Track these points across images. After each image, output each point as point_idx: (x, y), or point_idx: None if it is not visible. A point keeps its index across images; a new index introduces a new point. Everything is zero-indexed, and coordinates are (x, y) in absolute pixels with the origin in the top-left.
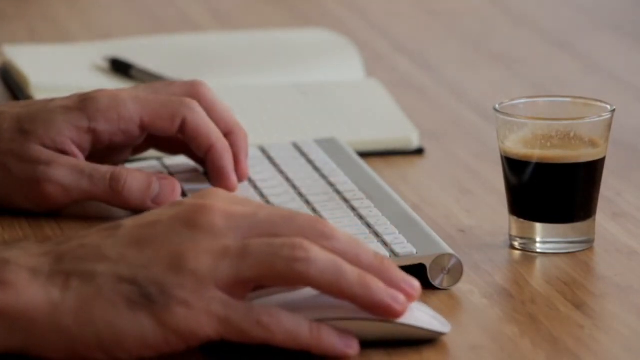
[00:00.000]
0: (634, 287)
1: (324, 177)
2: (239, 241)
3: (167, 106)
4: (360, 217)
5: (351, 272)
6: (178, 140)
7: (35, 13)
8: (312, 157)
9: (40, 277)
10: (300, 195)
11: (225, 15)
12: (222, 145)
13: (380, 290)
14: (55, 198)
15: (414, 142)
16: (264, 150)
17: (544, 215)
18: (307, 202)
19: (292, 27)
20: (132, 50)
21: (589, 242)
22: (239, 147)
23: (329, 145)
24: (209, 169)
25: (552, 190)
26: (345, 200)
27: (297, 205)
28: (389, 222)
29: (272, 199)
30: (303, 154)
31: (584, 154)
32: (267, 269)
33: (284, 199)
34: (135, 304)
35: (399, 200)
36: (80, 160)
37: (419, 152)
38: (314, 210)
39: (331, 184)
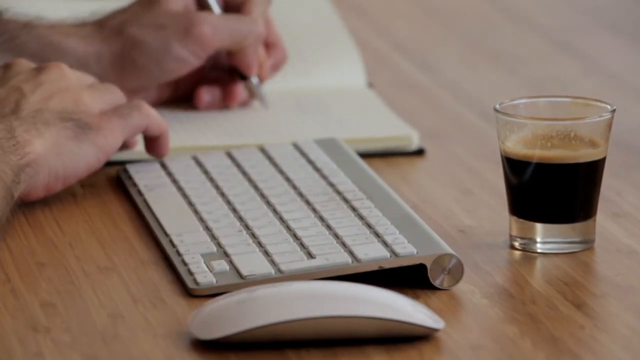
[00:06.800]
0: (634, 287)
1: (324, 177)
2: (92, 80)
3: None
4: (361, 218)
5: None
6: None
7: None
8: (312, 157)
9: (30, 131)
10: (301, 195)
11: None
12: None
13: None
14: (209, 40)
15: (414, 142)
16: (264, 151)
17: (544, 216)
18: (308, 203)
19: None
20: None
21: (589, 242)
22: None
23: (329, 146)
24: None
25: (553, 190)
26: (346, 201)
27: (297, 206)
28: (389, 223)
29: (272, 199)
30: (303, 154)
31: (584, 154)
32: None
33: (284, 199)
34: (78, 135)
35: (400, 200)
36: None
37: (419, 152)
38: (314, 210)
39: (331, 184)
